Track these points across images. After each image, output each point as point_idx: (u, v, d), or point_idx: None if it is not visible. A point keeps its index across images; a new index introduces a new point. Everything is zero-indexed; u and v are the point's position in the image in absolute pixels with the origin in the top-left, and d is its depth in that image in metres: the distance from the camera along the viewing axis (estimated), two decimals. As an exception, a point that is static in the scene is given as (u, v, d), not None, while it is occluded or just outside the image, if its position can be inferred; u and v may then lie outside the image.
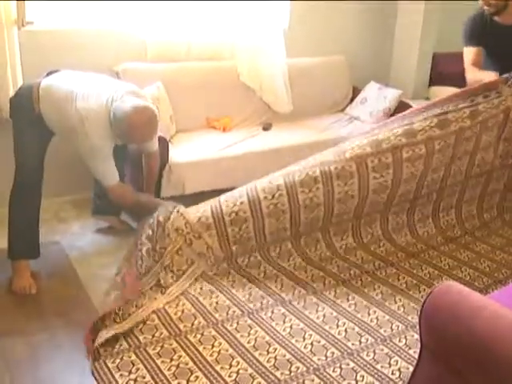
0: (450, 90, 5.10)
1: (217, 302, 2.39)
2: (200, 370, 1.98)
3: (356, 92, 4.79)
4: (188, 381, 1.92)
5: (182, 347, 2.09)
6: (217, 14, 4.10)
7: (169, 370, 1.97)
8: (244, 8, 4.11)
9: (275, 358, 2.05)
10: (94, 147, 2.60)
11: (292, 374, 1.98)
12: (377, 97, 4.51)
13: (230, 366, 2.00)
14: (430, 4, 5.03)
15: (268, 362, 2.03)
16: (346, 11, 4.91)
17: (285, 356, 2.07)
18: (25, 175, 2.73)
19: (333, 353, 2.10)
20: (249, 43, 4.19)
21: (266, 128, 4.09)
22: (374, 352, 2.11)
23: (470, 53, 3.54)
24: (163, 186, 3.28)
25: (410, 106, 4.46)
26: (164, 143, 3.22)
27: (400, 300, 2.49)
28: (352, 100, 4.77)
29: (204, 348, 2.09)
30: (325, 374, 1.98)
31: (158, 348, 2.08)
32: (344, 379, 1.96)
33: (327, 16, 4.77)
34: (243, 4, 4.10)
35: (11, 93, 3.15)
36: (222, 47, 4.21)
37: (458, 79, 5.31)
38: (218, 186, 3.45)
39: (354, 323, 2.30)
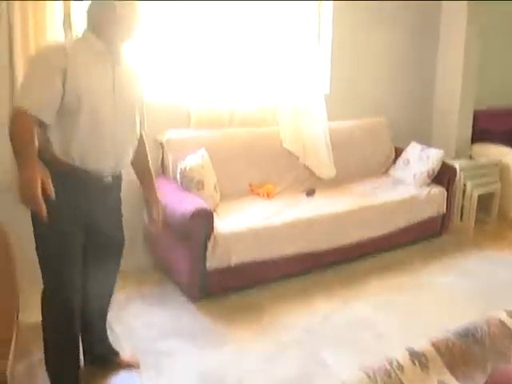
0: (493, 148, 5.05)
1: None
2: None
3: (398, 153, 4.74)
4: None
5: None
6: (259, 80, 4.16)
7: None
8: (286, 74, 4.15)
9: None
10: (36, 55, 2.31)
11: None
12: (419, 158, 4.45)
13: None
14: (468, 60, 5.01)
15: None
16: (384, 73, 4.92)
17: None
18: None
19: None
20: (291, 108, 4.20)
21: (310, 194, 4.04)
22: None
23: None
24: (208, 257, 3.22)
25: (454, 168, 4.41)
26: (209, 214, 3.19)
27: None
28: (395, 161, 4.71)
29: None
30: None
31: None
32: None
33: (366, 79, 4.80)
34: (285, 70, 4.13)
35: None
36: (264, 113, 4.24)
37: (500, 136, 5.26)
38: (264, 255, 3.42)
39: None
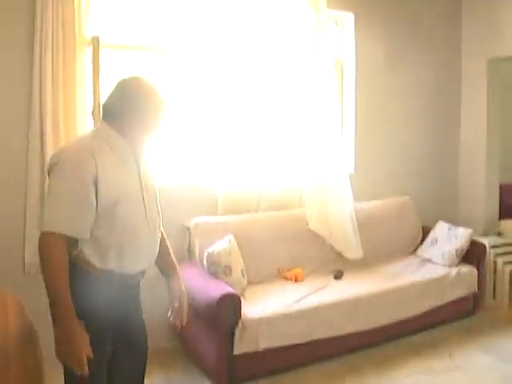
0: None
1: None
2: None
3: (425, 232, 4.72)
4: None
5: None
6: (284, 163, 4.26)
7: None
8: (311, 155, 4.24)
9: None
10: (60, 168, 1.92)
11: None
12: (447, 237, 4.43)
13: None
14: (491, 135, 5.06)
15: None
16: (407, 152, 5.01)
17: None
18: None
19: None
20: (317, 190, 4.27)
21: (338, 276, 4.03)
22: None
23: None
24: (236, 343, 3.20)
25: (483, 245, 4.37)
26: (236, 300, 3.20)
27: None
28: (422, 240, 4.70)
29: None
30: None
31: None
32: None
33: (390, 159, 4.87)
34: (310, 151, 4.24)
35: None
36: (290, 195, 4.32)
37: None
38: (293, 340, 3.38)
39: None
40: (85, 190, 1.89)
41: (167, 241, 2.40)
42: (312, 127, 4.21)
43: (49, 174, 1.95)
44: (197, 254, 3.75)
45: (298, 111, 4.20)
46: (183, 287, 2.37)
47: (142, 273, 2.18)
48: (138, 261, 2.10)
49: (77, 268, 1.94)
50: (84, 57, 3.42)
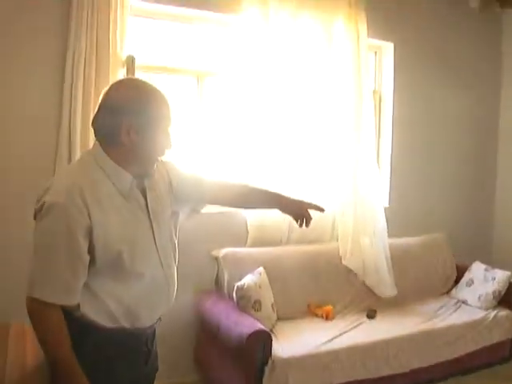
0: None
1: None
2: None
3: (460, 271, 4.55)
4: None
5: None
6: (318, 195, 4.11)
7: None
8: (345, 187, 4.12)
9: None
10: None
11: None
12: (484, 279, 4.25)
13: None
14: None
15: None
16: (443, 188, 4.87)
17: None
18: None
19: None
20: (351, 223, 4.13)
21: (371, 316, 3.86)
22: None
23: None
24: (265, 382, 3.05)
25: (523, 289, 4.19)
26: (267, 337, 3.06)
27: None
28: (457, 280, 4.52)
29: None
30: None
31: None
32: None
33: (426, 194, 4.75)
34: (345, 184, 4.12)
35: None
36: (323, 229, 4.19)
37: None
38: (323, 381, 3.21)
39: None
40: (75, 248, 1.56)
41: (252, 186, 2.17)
42: (348, 157, 4.10)
43: (35, 218, 1.62)
44: (225, 285, 3.63)
45: (334, 141, 4.09)
46: (296, 200, 2.12)
47: (159, 319, 1.90)
48: (154, 310, 1.82)
49: (81, 329, 1.65)
50: (118, 77, 3.27)
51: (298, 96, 3.93)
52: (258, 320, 3.24)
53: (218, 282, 3.79)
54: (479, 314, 4.01)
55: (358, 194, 4.15)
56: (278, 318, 3.63)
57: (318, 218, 4.07)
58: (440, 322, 3.84)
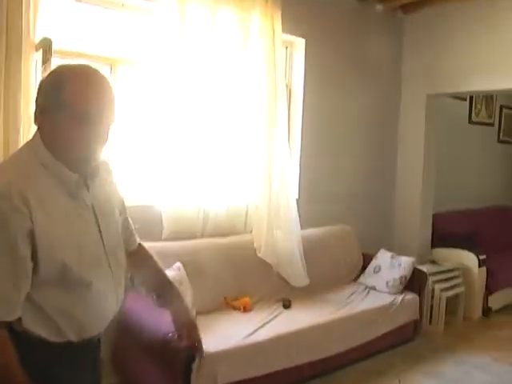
0: (452, 251, 5.18)
1: None
2: None
3: (366, 259, 4.75)
4: None
5: None
6: (232, 187, 4.12)
7: None
8: (258, 180, 4.13)
9: None
10: None
11: None
12: (390, 265, 4.47)
13: None
14: (427, 168, 5.23)
15: None
16: (349, 180, 5.06)
17: None
18: None
19: None
20: (264, 216, 4.15)
21: (287, 305, 3.92)
22: None
23: None
24: (192, 380, 2.99)
25: (425, 273, 4.45)
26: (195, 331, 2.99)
27: None
28: (363, 268, 4.71)
29: None
30: None
31: None
32: None
33: (333, 186, 4.90)
34: (258, 176, 4.12)
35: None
36: (236, 221, 4.19)
37: (457, 239, 5.43)
38: (249, 373, 3.22)
39: None
40: (17, 256, 1.40)
41: (151, 255, 2.05)
42: (262, 151, 4.11)
43: None
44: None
45: (249, 135, 4.08)
46: (187, 308, 2.06)
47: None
48: (103, 319, 1.68)
49: (23, 345, 1.47)
50: (31, 61, 2.99)
51: (213, 90, 3.87)
52: (181, 316, 3.16)
53: (134, 278, 3.64)
54: (388, 299, 4.21)
55: (272, 187, 4.17)
56: (196, 313, 3.58)
57: (232, 209, 4.13)
58: (353, 308, 4.00)
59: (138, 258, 2.00)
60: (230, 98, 3.97)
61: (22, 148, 1.64)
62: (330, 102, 4.77)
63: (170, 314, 1.99)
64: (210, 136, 3.89)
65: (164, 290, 2.02)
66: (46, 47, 2.98)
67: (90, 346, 1.68)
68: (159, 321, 3.07)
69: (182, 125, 3.75)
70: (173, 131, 3.72)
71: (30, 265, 1.43)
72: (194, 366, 2.99)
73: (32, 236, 1.41)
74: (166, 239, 3.81)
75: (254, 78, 4.01)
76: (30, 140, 1.58)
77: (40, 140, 1.51)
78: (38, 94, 1.51)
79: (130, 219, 1.92)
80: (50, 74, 1.52)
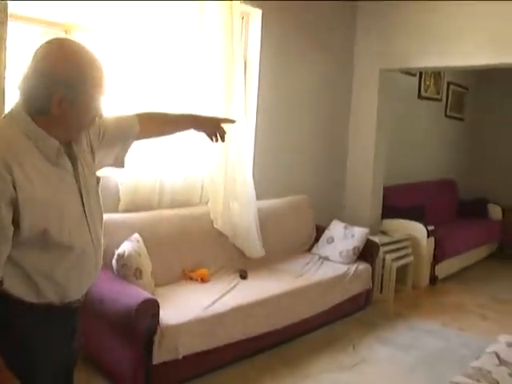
0: (400, 222, 5.34)
1: None
2: None
3: (319, 230, 4.83)
4: None
5: None
6: (187, 157, 4.09)
7: None
8: (214, 151, 4.09)
9: None
10: None
11: None
12: (344, 236, 4.57)
13: None
14: (379, 142, 5.34)
15: None
16: (303, 152, 5.11)
17: None
18: None
19: None
20: (221, 188, 4.15)
21: (243, 276, 3.96)
22: None
23: None
24: (154, 352, 3.00)
25: (377, 244, 4.58)
26: (156, 306, 2.99)
27: None
28: (317, 239, 4.80)
29: None
30: None
31: None
32: None
33: (287, 158, 4.93)
34: (213, 149, 4.08)
35: None
36: (192, 192, 4.18)
37: (405, 211, 5.60)
38: (210, 344, 3.26)
39: None
40: None
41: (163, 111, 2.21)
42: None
43: None
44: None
45: (206, 107, 4.04)
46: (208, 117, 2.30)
47: (85, 294, 1.78)
48: (83, 283, 1.71)
49: (4, 306, 1.52)
50: None
51: (170, 60, 3.81)
52: (140, 288, 3.16)
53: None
54: (342, 269, 4.32)
55: (228, 159, 4.16)
56: (155, 285, 3.58)
57: (188, 180, 4.11)
58: (309, 278, 4.08)
59: (145, 125, 1.97)
60: (187, 68, 3.92)
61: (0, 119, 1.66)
62: (285, 75, 4.77)
63: (196, 127, 2.14)
64: (166, 107, 3.83)
65: (186, 122, 2.15)
66: (1, 11, 2.86)
67: (69, 313, 1.70)
68: (121, 294, 3.07)
69: (137, 95, 3.68)
70: (128, 101, 3.65)
71: (10, 229, 1.45)
72: (156, 338, 3.01)
73: (15, 202, 1.43)
74: (123, 211, 3.77)
75: (212, 49, 3.95)
76: (9, 113, 1.57)
77: (24, 113, 1.51)
78: (49, 81, 1.48)
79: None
80: (59, 61, 1.49)
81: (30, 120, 1.50)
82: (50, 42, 1.54)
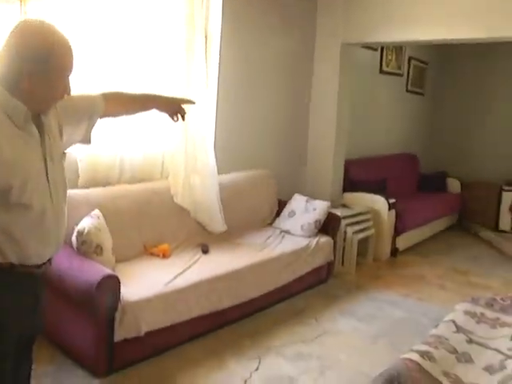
0: (361, 196, 5.40)
1: None
2: None
3: (280, 204, 4.85)
4: None
5: None
6: (146, 130, 4.03)
7: None
8: (174, 127, 4.01)
9: None
10: None
11: None
12: (305, 209, 4.59)
13: None
14: (341, 116, 5.36)
15: None
16: (265, 127, 5.08)
17: None
18: None
19: None
20: (181, 162, 4.11)
21: (205, 250, 3.95)
22: None
23: None
24: (116, 329, 2.97)
25: (338, 217, 4.62)
26: (117, 282, 2.96)
27: None
28: (278, 213, 4.81)
29: None
30: None
31: None
32: None
33: (249, 132, 4.91)
34: (173, 123, 4.02)
35: None
36: (153, 167, 4.14)
37: (366, 184, 5.66)
38: (173, 320, 3.25)
39: None
40: None
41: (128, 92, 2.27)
42: (178, 93, 3.99)
43: None
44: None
45: (166, 80, 3.98)
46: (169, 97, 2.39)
47: (50, 261, 1.83)
48: (43, 247, 1.75)
49: None
50: None
51: (130, 33, 3.74)
52: (101, 265, 3.12)
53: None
54: (304, 242, 4.35)
55: (188, 132, 4.11)
56: (116, 261, 3.54)
57: (148, 156, 4.06)
58: (271, 252, 4.09)
59: (110, 104, 2.06)
60: (148, 42, 3.85)
61: None
62: (246, 50, 4.71)
63: (158, 108, 2.25)
64: (127, 81, 3.77)
65: (148, 102, 2.26)
66: None
67: (31, 279, 1.75)
68: (81, 270, 3.03)
69: (95, 68, 3.59)
70: (87, 74, 3.55)
71: None
72: (117, 315, 2.98)
73: None
74: (83, 187, 3.70)
75: (172, 22, 3.88)
76: None
77: (1, 87, 1.61)
78: (20, 57, 1.58)
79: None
80: (28, 39, 1.59)
81: (5, 93, 1.61)
82: (23, 21, 1.66)
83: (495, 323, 3.37)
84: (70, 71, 1.70)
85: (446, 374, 2.76)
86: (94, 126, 2.02)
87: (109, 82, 3.67)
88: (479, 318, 3.42)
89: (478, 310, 3.55)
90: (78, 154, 3.67)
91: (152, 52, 3.91)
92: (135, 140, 3.95)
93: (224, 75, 4.52)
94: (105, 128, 3.66)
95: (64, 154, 1.87)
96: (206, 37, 4.34)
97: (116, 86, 3.68)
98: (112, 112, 2.10)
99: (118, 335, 2.98)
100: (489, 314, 3.51)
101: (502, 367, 2.83)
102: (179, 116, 2.28)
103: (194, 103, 2.40)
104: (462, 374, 2.78)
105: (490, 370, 2.85)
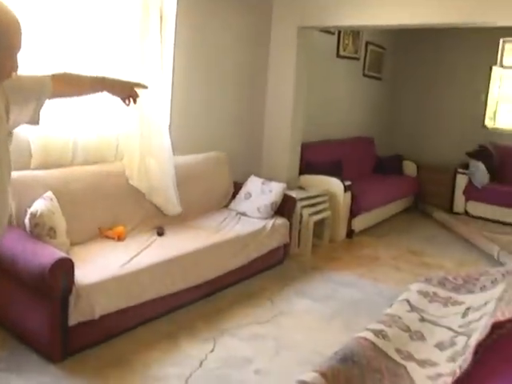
0: (317, 178, 5.46)
1: None
2: None
3: (236, 187, 4.86)
4: None
5: None
6: (101, 112, 3.98)
7: None
8: (128, 108, 3.95)
9: None
10: None
11: None
12: (261, 191, 4.62)
13: None
14: (297, 99, 5.38)
15: None
16: (221, 109, 5.07)
17: None
18: None
19: None
20: (136, 144, 4.07)
21: (160, 233, 3.94)
22: None
23: None
24: (70, 312, 2.94)
25: (294, 199, 4.66)
26: (70, 265, 2.93)
27: None
28: (234, 195, 4.83)
29: None
30: None
31: None
32: None
33: (205, 114, 4.89)
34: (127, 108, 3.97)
35: None
36: (107, 149, 4.08)
37: (322, 167, 5.72)
38: (128, 302, 3.23)
39: None
40: None
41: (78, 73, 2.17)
42: (132, 77, 3.93)
43: None
44: (13, 213, 3.32)
45: (119, 61, 3.92)
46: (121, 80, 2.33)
47: None
48: None
49: None
50: None
51: (83, 16, 3.67)
52: (54, 248, 3.08)
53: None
54: (259, 224, 4.38)
55: (143, 114, 4.06)
56: (71, 244, 3.49)
57: (102, 138, 4.01)
58: (226, 234, 4.11)
59: (58, 85, 2.01)
60: (101, 22, 3.78)
61: None
62: (202, 32, 4.67)
63: (110, 91, 2.21)
64: (79, 62, 3.70)
65: (97, 84, 2.20)
66: None
67: None
68: (35, 253, 2.98)
69: (47, 48, 3.52)
70: (37, 54, 3.47)
71: None
72: (71, 298, 2.95)
73: None
74: (35, 168, 3.63)
75: (127, 2, 3.82)
76: None
77: None
78: None
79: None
80: None
81: None
82: None
83: (447, 302, 3.49)
84: (19, 49, 1.67)
85: (399, 351, 2.85)
86: (42, 106, 1.96)
87: (60, 62, 3.59)
88: (432, 297, 3.53)
89: (431, 289, 3.66)
90: (30, 135, 3.58)
91: (105, 32, 3.84)
92: (89, 122, 3.89)
93: (179, 57, 4.47)
94: (58, 109, 3.62)
95: (11, 133, 1.83)
96: (161, 17, 4.29)
97: (68, 66, 3.61)
98: (61, 93, 2.06)
99: (73, 319, 2.95)
100: (441, 293, 3.63)
101: (453, 344, 2.94)
102: (131, 100, 2.25)
103: (146, 87, 2.35)
104: (414, 350, 2.89)
105: (440, 346, 2.96)
